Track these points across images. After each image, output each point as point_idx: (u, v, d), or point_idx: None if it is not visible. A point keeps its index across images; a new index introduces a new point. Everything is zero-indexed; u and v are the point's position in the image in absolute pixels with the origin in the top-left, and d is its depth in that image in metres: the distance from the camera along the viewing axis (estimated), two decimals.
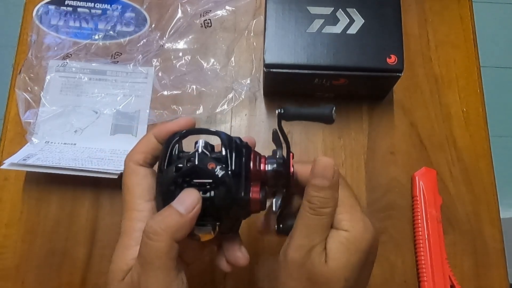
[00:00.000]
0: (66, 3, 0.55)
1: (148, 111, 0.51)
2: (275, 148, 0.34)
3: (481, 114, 0.53)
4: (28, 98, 0.51)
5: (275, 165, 0.33)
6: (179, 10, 0.54)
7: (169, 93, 0.52)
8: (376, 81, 0.48)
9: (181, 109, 0.51)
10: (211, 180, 0.30)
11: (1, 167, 0.44)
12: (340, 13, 0.47)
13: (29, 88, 0.51)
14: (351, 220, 0.32)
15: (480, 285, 0.47)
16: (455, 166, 0.51)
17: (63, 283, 0.46)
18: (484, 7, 1.45)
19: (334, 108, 0.33)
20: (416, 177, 0.50)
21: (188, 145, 0.33)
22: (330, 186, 0.31)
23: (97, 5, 0.55)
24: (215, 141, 0.32)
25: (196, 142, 0.32)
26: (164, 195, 0.31)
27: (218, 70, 0.53)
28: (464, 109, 0.53)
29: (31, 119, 0.50)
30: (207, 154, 0.31)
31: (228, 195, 0.30)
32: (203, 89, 0.52)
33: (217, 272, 0.46)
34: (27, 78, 0.51)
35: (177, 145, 0.32)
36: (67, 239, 0.47)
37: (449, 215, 0.49)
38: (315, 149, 0.51)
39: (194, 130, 0.33)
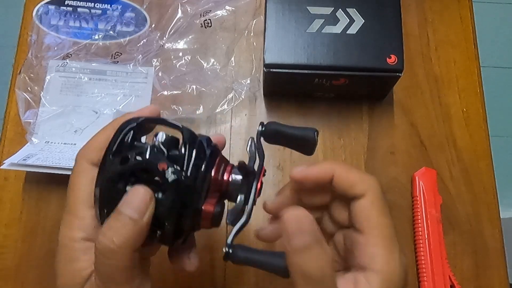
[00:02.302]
0: (66, 3, 0.55)
1: None
2: (255, 154, 0.30)
3: (481, 114, 0.53)
4: (28, 98, 0.51)
5: (240, 177, 0.28)
6: (179, 10, 0.54)
7: (169, 93, 0.52)
8: (376, 81, 0.48)
9: (181, 109, 0.51)
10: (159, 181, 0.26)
11: (1, 167, 0.44)
12: (340, 13, 0.47)
13: (29, 88, 0.51)
14: (387, 257, 0.26)
15: (480, 285, 0.47)
16: (455, 166, 0.51)
17: None
18: (484, 7, 1.45)
19: (317, 132, 0.30)
20: (416, 177, 0.50)
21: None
22: (315, 240, 0.24)
23: (97, 5, 0.55)
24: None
25: (156, 135, 0.27)
26: (105, 189, 0.27)
27: (218, 70, 0.53)
28: (464, 109, 0.53)
29: (31, 119, 0.50)
30: (163, 151, 0.27)
31: (176, 202, 0.26)
32: (203, 89, 0.52)
33: (217, 272, 0.46)
34: (27, 78, 0.51)
35: (131, 132, 0.28)
36: None
37: (449, 215, 0.49)
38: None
39: (153, 119, 0.29)
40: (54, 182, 0.48)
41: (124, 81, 0.52)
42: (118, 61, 0.53)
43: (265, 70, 0.47)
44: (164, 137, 0.27)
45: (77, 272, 0.27)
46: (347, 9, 0.47)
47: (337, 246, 0.31)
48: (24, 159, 0.45)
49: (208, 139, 0.29)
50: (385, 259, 0.26)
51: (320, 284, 0.24)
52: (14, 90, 0.51)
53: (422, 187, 0.49)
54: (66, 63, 0.53)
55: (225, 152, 0.51)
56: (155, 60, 0.53)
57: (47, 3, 0.55)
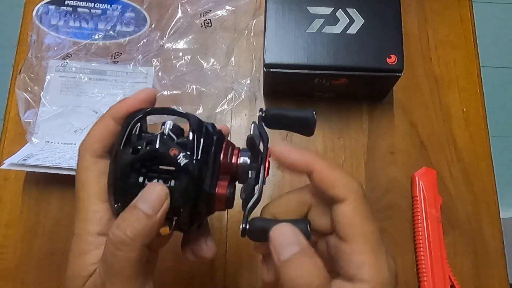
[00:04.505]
0: (66, 3, 0.55)
1: None
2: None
3: (481, 114, 0.53)
4: (28, 98, 0.51)
5: (248, 159, 0.29)
6: (179, 10, 0.54)
7: (169, 93, 0.52)
8: (376, 81, 0.48)
9: (181, 109, 0.51)
10: (173, 168, 0.27)
11: (1, 167, 0.44)
12: (340, 13, 0.47)
13: (29, 88, 0.51)
14: (375, 265, 0.25)
15: (480, 285, 0.47)
16: (455, 166, 0.51)
17: (63, 283, 0.46)
18: (484, 7, 1.45)
19: (315, 112, 0.30)
20: (416, 177, 0.50)
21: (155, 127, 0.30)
22: (303, 251, 0.24)
23: (97, 5, 0.55)
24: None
25: (164, 123, 0.28)
26: (118, 182, 0.27)
27: (218, 70, 0.53)
28: (464, 109, 0.53)
29: (31, 119, 0.50)
30: (173, 139, 0.28)
31: (189, 187, 0.27)
32: (203, 89, 0.52)
33: (217, 272, 0.46)
34: (27, 78, 0.51)
35: (138, 124, 0.28)
36: (67, 239, 0.47)
37: (449, 215, 0.49)
38: (315, 149, 0.51)
39: (159, 110, 0.29)
40: (54, 182, 0.48)
41: (124, 81, 0.52)
42: (118, 61, 0.53)
43: (265, 70, 0.47)
44: (171, 125, 0.28)
45: (85, 265, 0.28)
46: (347, 9, 0.47)
47: (321, 255, 0.29)
48: (24, 159, 0.45)
49: (213, 125, 0.29)
50: (373, 268, 0.25)
51: None
52: (14, 90, 0.51)
53: (422, 187, 0.49)
54: (66, 63, 0.53)
55: None
56: (155, 60, 0.53)
57: (47, 3, 0.55)
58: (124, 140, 0.28)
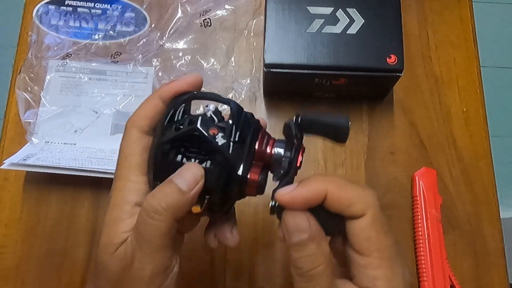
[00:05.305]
0: (66, 3, 0.55)
1: None
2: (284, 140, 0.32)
3: (481, 114, 0.53)
4: (28, 98, 0.51)
5: (282, 150, 0.30)
6: (179, 10, 0.54)
7: None
8: (376, 81, 0.48)
9: None
10: (209, 149, 0.28)
11: (1, 167, 0.44)
12: (340, 13, 0.47)
13: (29, 88, 0.51)
14: (390, 279, 0.26)
15: (480, 285, 0.47)
16: (455, 166, 0.51)
17: (63, 283, 0.46)
18: (484, 7, 1.45)
19: (349, 121, 0.30)
20: (416, 177, 0.50)
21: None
22: (310, 238, 0.25)
23: (97, 5, 0.55)
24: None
25: (207, 106, 0.30)
26: (158, 158, 0.29)
27: (218, 70, 0.53)
28: (464, 109, 0.53)
29: (31, 119, 0.50)
30: (214, 120, 0.29)
31: (224, 169, 0.28)
32: (203, 89, 0.52)
33: (217, 271, 0.46)
34: (27, 78, 0.51)
35: (183, 106, 0.30)
36: (67, 239, 0.47)
37: (449, 215, 0.49)
38: (315, 149, 0.51)
39: (203, 94, 0.31)
40: (54, 182, 0.48)
41: (124, 81, 0.52)
42: (118, 61, 0.53)
43: (265, 70, 0.47)
44: (214, 108, 0.29)
45: (117, 233, 0.29)
46: (347, 9, 0.47)
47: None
48: (24, 159, 0.45)
49: (252, 115, 0.31)
50: (387, 282, 0.26)
51: (311, 280, 0.26)
52: (14, 90, 0.51)
53: (422, 187, 0.49)
54: (66, 63, 0.53)
55: None
56: (155, 60, 0.53)
57: (47, 3, 0.55)
58: (168, 118, 0.29)
